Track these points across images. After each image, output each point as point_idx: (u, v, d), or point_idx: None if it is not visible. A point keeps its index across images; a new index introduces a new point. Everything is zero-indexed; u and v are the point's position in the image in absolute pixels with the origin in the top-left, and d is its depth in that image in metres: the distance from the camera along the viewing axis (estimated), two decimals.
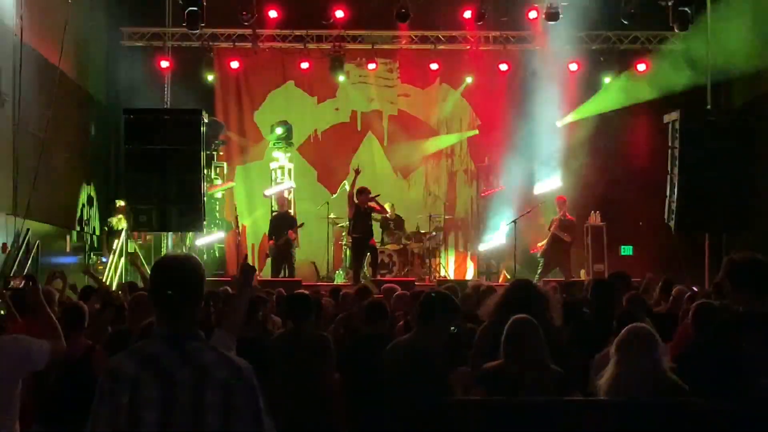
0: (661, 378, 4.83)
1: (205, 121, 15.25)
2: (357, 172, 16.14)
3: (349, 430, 6.71)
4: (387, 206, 17.23)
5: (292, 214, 17.46)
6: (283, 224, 16.64)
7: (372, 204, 16.04)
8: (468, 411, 5.00)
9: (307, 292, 7.52)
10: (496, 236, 18.14)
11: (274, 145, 18.71)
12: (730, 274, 5.01)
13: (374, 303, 7.20)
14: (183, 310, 3.36)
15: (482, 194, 19.12)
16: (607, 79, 18.58)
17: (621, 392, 4.82)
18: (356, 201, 15.70)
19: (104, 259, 16.53)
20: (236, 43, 18.70)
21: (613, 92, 18.51)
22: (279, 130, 18.43)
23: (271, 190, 18.38)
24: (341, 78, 19.07)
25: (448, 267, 18.96)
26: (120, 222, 16.36)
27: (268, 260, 17.75)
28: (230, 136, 18.92)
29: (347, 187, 16.74)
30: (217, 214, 17.98)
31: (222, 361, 3.33)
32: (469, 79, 19.13)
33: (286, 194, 17.90)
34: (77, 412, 5.45)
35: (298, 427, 6.29)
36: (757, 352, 4.74)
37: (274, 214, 17.42)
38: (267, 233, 17.26)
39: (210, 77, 18.90)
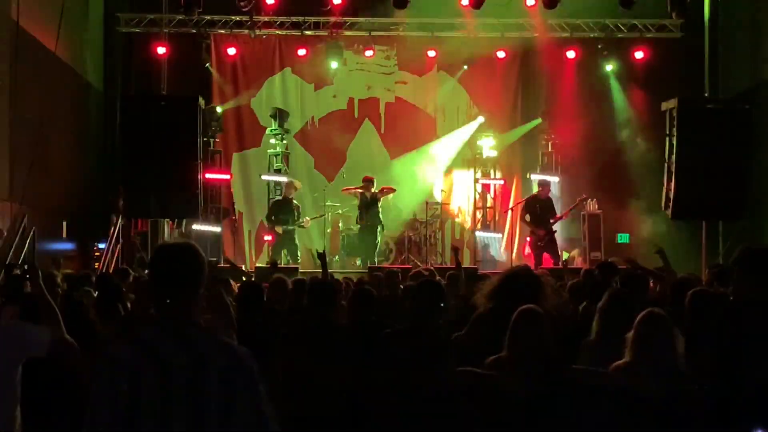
0: (675, 365, 4.84)
1: (202, 107, 15.17)
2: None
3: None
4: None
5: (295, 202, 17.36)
6: (286, 210, 16.65)
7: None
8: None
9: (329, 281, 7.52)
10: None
11: (270, 131, 18.67)
12: (740, 260, 5.01)
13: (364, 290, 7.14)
14: (182, 297, 3.36)
15: (480, 182, 19.13)
16: (609, 67, 18.52)
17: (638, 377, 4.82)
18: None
19: (101, 245, 16.53)
20: (233, 30, 18.63)
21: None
22: (275, 117, 18.43)
23: (268, 177, 18.30)
24: (338, 65, 19.01)
25: (444, 254, 18.95)
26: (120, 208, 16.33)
27: (264, 246, 17.83)
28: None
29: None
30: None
31: (221, 348, 3.33)
32: (465, 66, 19.08)
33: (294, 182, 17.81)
34: (42, 403, 5.46)
35: (306, 412, 6.29)
36: (758, 340, 4.74)
37: (277, 199, 17.32)
38: (266, 217, 17.21)
39: (207, 64, 18.84)
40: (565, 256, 15.94)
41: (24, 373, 4.79)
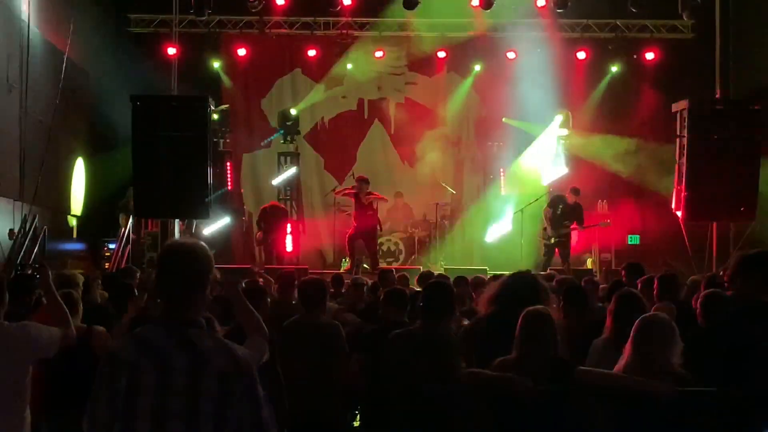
0: (668, 371, 4.82)
1: (212, 108, 15.17)
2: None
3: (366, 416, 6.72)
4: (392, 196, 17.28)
5: (284, 206, 17.25)
6: (274, 216, 16.53)
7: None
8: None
9: (318, 278, 7.52)
10: (503, 225, 18.07)
11: (280, 132, 18.70)
12: (741, 264, 5.02)
13: (395, 290, 7.16)
14: (186, 296, 3.37)
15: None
16: (614, 68, 18.50)
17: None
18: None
19: (111, 245, 16.55)
20: (243, 30, 18.66)
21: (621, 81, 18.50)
22: (285, 118, 18.46)
23: (279, 179, 18.37)
24: (348, 65, 19.01)
25: (454, 255, 18.93)
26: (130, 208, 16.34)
27: None
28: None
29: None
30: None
31: (221, 349, 3.34)
32: (476, 68, 19.06)
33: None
34: (79, 395, 5.48)
35: (308, 413, 6.30)
36: (764, 342, 4.73)
37: (264, 205, 17.17)
38: (256, 223, 17.08)
39: (217, 64, 18.87)
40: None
41: (46, 372, 4.79)
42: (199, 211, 15.06)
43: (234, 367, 3.30)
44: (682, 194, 14.78)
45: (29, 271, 5.65)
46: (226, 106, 17.89)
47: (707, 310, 6.05)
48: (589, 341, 5.95)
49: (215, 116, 17.38)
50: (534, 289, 5.90)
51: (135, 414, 3.20)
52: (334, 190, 17.62)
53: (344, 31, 18.58)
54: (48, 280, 5.15)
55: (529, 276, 6.17)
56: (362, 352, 6.60)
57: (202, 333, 3.35)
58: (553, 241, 15.85)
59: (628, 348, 4.92)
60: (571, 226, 15.93)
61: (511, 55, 18.83)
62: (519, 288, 5.89)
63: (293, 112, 18.65)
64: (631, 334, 4.93)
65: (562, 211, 15.86)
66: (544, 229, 15.97)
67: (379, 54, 18.92)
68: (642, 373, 4.79)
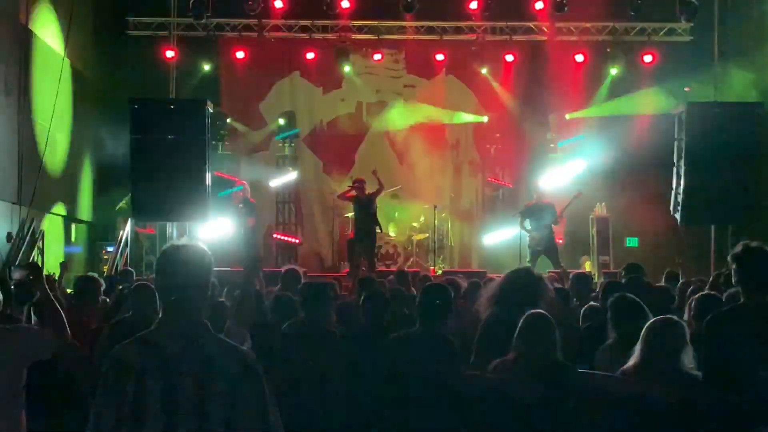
0: (678, 372, 4.83)
1: (210, 111, 15.13)
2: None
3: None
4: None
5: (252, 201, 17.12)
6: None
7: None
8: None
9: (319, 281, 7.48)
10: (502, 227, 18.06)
11: (279, 135, 18.70)
12: (736, 265, 5.03)
13: (377, 293, 7.12)
14: (189, 298, 3.35)
15: (488, 180, 19.08)
16: (613, 71, 18.51)
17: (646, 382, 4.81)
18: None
19: (109, 248, 16.55)
20: (242, 33, 18.65)
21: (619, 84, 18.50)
22: (283, 121, 18.48)
23: (277, 181, 18.38)
24: (347, 68, 19.01)
25: (452, 258, 18.92)
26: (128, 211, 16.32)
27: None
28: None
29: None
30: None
31: (228, 352, 3.32)
32: (482, 70, 19.03)
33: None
34: (44, 402, 5.45)
35: (301, 417, 6.29)
36: (757, 344, 4.73)
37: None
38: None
39: (215, 67, 18.86)
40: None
41: (31, 376, 4.78)
42: (198, 213, 15.06)
43: (242, 369, 3.28)
44: (680, 197, 14.78)
45: (18, 275, 5.60)
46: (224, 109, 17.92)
47: (700, 313, 6.06)
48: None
49: (227, 113, 17.46)
50: (534, 286, 5.90)
51: (144, 418, 3.18)
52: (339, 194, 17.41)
53: (343, 34, 18.57)
54: (43, 281, 5.13)
55: (529, 274, 6.15)
56: (347, 358, 6.56)
57: (207, 335, 3.34)
58: (539, 248, 15.70)
59: (638, 350, 4.91)
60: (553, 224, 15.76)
61: (509, 57, 18.84)
62: (518, 286, 5.89)
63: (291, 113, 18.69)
64: (642, 337, 4.92)
65: (537, 215, 15.73)
66: (531, 237, 15.73)
67: (377, 57, 18.92)
68: (654, 375, 4.79)
